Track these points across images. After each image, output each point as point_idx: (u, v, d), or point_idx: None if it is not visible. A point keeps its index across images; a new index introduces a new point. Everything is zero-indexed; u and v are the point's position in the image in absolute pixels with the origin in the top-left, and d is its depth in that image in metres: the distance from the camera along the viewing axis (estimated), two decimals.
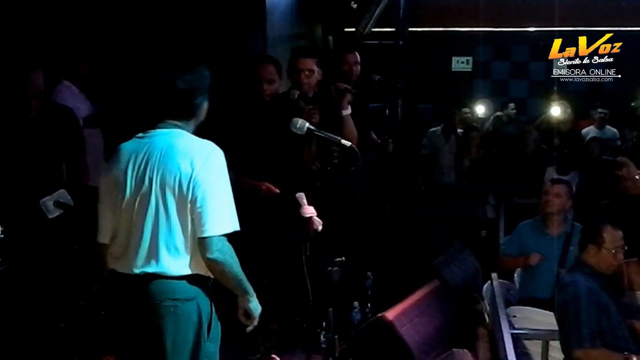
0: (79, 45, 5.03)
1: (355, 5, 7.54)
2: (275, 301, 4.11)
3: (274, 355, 4.09)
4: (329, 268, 2.84)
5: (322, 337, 3.34)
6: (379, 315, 4.01)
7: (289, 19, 6.85)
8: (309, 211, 3.10)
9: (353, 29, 8.02)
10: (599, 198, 5.54)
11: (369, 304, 4.36)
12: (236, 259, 2.50)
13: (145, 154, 2.48)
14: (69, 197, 3.65)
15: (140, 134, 2.56)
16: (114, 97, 4.93)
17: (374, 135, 5.03)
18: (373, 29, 8.05)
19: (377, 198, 4.92)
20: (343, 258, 2.87)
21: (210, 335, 2.54)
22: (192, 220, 2.43)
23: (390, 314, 4.00)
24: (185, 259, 2.47)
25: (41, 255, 3.71)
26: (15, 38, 4.71)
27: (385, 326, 3.93)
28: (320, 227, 2.96)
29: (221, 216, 2.45)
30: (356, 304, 4.31)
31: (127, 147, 2.56)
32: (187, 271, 2.47)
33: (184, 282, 2.47)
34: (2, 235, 3.37)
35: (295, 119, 3.16)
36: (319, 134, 2.88)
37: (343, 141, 2.83)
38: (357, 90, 4.38)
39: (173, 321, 2.45)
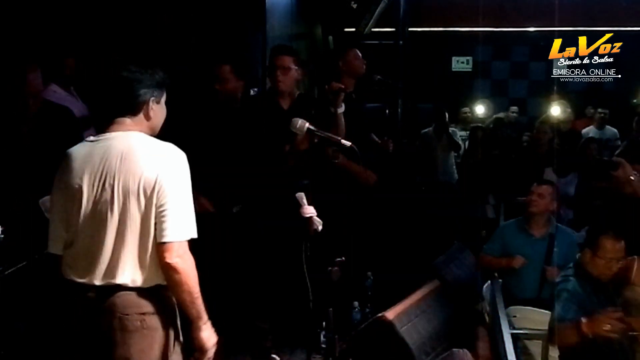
0: (76, 44, 5.03)
1: (355, 5, 7.54)
2: (275, 301, 4.11)
3: (273, 355, 4.09)
4: (329, 268, 2.84)
5: (322, 337, 3.34)
6: (379, 315, 4.01)
7: (289, 19, 6.85)
8: (309, 211, 3.10)
9: (353, 29, 8.03)
10: (595, 199, 5.53)
11: (369, 304, 4.36)
12: (195, 273, 2.38)
13: (102, 158, 2.36)
14: None
15: (91, 138, 2.45)
16: None
17: (374, 137, 5.04)
18: (373, 29, 8.05)
19: (377, 198, 4.91)
20: (343, 258, 2.86)
21: (175, 348, 2.46)
22: (155, 225, 2.33)
23: (390, 314, 4.00)
24: (151, 269, 2.37)
25: (41, 255, 3.70)
26: (14, 38, 4.71)
27: (385, 326, 3.93)
28: (320, 227, 2.96)
29: (184, 222, 2.36)
30: (356, 304, 4.31)
31: (79, 152, 2.44)
32: (154, 282, 2.38)
33: (150, 294, 2.38)
34: (2, 235, 3.36)
35: (294, 119, 3.16)
36: (319, 134, 2.88)
37: (343, 141, 2.82)
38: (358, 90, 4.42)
39: (140, 336, 2.36)
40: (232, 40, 5.55)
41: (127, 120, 2.43)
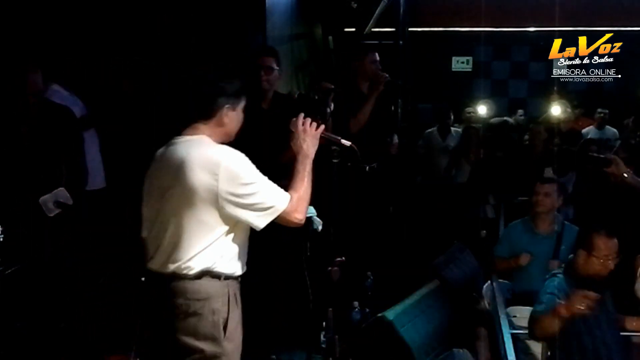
0: (76, 45, 5.03)
1: (355, 5, 7.53)
2: (275, 301, 4.11)
3: (273, 356, 4.09)
4: (329, 268, 2.83)
5: (322, 337, 3.33)
6: (379, 315, 4.01)
7: (289, 19, 6.85)
8: (309, 211, 3.09)
9: (353, 29, 8.02)
10: (591, 196, 5.52)
11: (369, 304, 4.36)
12: (306, 198, 2.62)
13: (167, 163, 2.58)
14: (68, 196, 3.66)
15: (173, 139, 2.63)
16: (125, 101, 4.99)
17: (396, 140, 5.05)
18: (373, 29, 8.04)
19: (378, 199, 4.91)
20: (343, 258, 2.86)
21: (227, 334, 2.57)
22: (247, 220, 2.54)
23: (390, 314, 4.00)
24: (198, 260, 2.53)
25: (41, 256, 3.71)
26: (14, 38, 4.71)
27: (385, 326, 3.93)
28: (320, 227, 2.95)
29: (269, 206, 2.54)
30: (356, 304, 4.31)
31: (159, 152, 2.68)
32: (199, 269, 2.53)
33: (199, 281, 2.54)
34: (2, 236, 3.37)
35: (294, 119, 3.14)
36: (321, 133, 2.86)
37: (343, 141, 2.81)
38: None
39: (186, 321, 2.53)
40: (232, 40, 5.55)
41: (200, 126, 2.61)
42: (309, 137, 2.70)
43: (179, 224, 2.54)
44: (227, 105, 2.62)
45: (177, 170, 2.52)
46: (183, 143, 2.59)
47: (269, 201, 2.55)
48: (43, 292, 3.71)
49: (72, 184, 3.89)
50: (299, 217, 2.61)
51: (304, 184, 2.64)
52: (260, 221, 2.56)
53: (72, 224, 3.82)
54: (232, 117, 2.66)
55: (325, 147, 2.91)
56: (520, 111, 9.37)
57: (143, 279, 2.71)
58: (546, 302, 3.47)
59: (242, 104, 2.69)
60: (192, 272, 2.53)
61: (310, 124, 2.72)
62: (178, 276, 2.54)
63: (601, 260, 3.48)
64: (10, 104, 3.84)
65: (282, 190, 2.59)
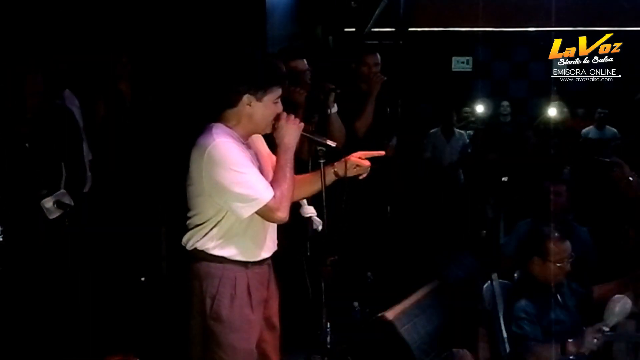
0: (75, 46, 5.04)
1: (355, 5, 7.55)
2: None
3: None
4: (321, 267, 2.83)
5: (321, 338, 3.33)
6: (379, 315, 4.01)
7: (289, 19, 6.86)
8: (309, 211, 3.10)
9: (353, 29, 8.03)
10: (594, 199, 5.53)
11: (369, 304, 4.36)
12: (289, 196, 2.67)
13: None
14: (70, 198, 3.66)
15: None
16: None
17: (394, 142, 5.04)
18: (373, 29, 8.06)
19: (377, 199, 4.91)
20: (336, 257, 2.85)
21: (212, 314, 2.69)
22: (230, 208, 2.63)
23: (390, 314, 4.00)
24: (196, 234, 2.71)
25: (41, 256, 3.71)
26: (14, 39, 4.71)
27: (385, 326, 3.93)
28: (320, 227, 2.96)
29: (244, 198, 2.60)
30: (356, 304, 4.31)
31: None
32: (191, 245, 2.73)
33: (194, 262, 2.72)
34: (1, 236, 3.37)
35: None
36: (306, 134, 2.87)
37: (329, 142, 2.82)
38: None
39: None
40: (232, 41, 5.56)
41: (225, 114, 2.70)
42: (291, 130, 2.71)
43: (190, 206, 2.73)
44: (247, 95, 2.64)
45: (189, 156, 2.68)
46: (205, 130, 2.68)
47: (253, 193, 2.60)
48: (43, 292, 3.71)
49: (73, 185, 3.89)
50: (282, 215, 2.66)
51: (286, 179, 2.67)
52: (243, 211, 2.62)
53: (70, 224, 3.82)
54: (258, 108, 2.67)
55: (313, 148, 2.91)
56: (504, 102, 9.31)
57: (143, 279, 2.73)
58: (531, 329, 3.48)
59: (270, 97, 2.68)
60: (189, 250, 2.73)
61: (294, 119, 2.74)
62: (187, 253, 2.75)
63: (558, 264, 3.49)
64: (10, 104, 3.84)
65: (268, 184, 2.65)
